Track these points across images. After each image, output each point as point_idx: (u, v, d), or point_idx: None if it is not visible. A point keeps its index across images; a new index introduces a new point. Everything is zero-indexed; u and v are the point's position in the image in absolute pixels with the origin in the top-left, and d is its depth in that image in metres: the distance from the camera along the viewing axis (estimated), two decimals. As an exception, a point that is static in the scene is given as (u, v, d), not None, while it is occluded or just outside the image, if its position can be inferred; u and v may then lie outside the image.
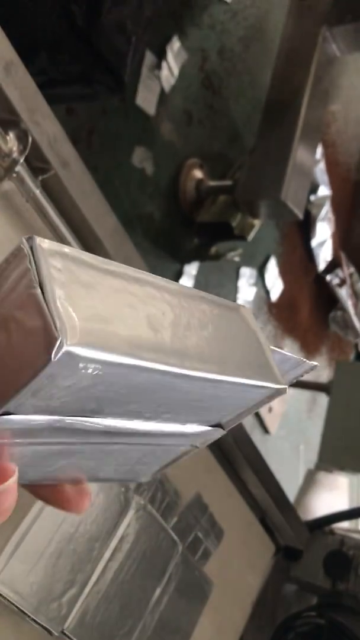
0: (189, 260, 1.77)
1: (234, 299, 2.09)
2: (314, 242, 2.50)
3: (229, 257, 1.81)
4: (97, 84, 1.04)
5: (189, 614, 0.84)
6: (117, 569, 0.69)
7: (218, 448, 1.01)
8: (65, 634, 0.64)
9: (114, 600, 0.69)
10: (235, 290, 2.08)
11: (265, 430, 2.38)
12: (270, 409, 2.35)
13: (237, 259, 1.86)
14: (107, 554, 0.68)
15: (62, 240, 0.64)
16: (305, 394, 2.70)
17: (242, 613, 1.13)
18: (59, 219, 0.62)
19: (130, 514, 0.71)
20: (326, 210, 2.45)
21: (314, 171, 2.21)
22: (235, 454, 1.01)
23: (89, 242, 0.68)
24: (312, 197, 2.39)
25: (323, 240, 2.53)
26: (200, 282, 1.88)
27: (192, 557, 0.84)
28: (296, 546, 1.24)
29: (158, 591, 0.77)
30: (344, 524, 1.59)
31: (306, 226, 2.48)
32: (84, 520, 0.66)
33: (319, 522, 1.50)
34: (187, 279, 1.79)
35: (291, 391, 2.53)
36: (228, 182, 1.71)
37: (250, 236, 1.73)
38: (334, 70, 1.69)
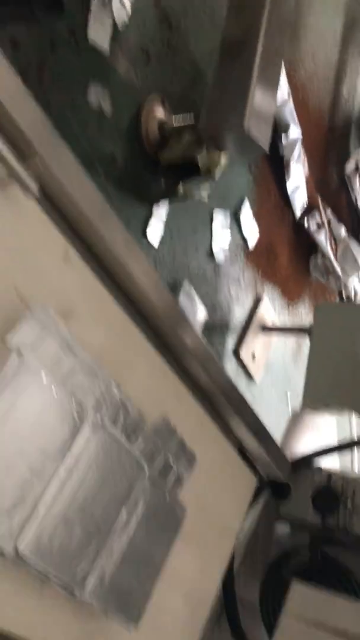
0: (157, 202, 1.71)
1: (209, 245, 2.05)
2: (289, 187, 2.44)
3: (198, 197, 1.76)
4: (34, 3, 0.97)
5: (161, 540, 0.81)
6: (75, 490, 0.66)
7: (186, 376, 0.97)
8: (19, 555, 0.60)
9: (74, 523, 0.66)
10: (209, 235, 2.04)
11: (250, 377, 2.36)
12: (253, 356, 2.33)
13: (206, 198, 1.81)
14: (62, 473, 0.65)
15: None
16: (289, 341, 2.67)
17: (226, 547, 1.11)
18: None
19: (86, 431, 0.68)
20: (298, 152, 2.39)
21: (278, 110, 2.15)
22: (206, 382, 0.97)
23: (13, 137, 0.63)
24: (284, 140, 2.33)
25: (298, 184, 2.47)
26: (172, 228, 1.83)
27: (162, 481, 0.81)
28: (279, 479, 1.22)
29: (124, 515, 0.74)
30: (331, 464, 1.58)
31: (280, 170, 2.42)
32: (34, 435, 0.62)
33: (305, 459, 1.49)
34: (157, 223, 1.74)
35: (275, 338, 2.51)
36: (191, 120, 1.65)
37: (217, 174, 1.68)
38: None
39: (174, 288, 1.86)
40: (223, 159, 1.65)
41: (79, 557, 0.67)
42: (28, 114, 0.63)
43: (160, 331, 0.90)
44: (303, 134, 2.42)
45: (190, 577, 0.98)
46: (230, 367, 2.25)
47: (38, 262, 0.70)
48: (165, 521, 0.81)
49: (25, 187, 0.65)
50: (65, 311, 0.73)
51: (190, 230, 1.95)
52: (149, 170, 1.70)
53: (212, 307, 2.10)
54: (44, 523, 0.62)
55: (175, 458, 0.85)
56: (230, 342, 2.26)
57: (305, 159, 2.49)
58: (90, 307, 0.77)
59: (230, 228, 2.17)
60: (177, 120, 1.71)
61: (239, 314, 2.30)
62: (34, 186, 0.65)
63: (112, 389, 0.75)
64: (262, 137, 1.47)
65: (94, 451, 0.68)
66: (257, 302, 2.39)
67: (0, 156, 0.61)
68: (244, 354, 2.29)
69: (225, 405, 1.02)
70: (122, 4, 1.55)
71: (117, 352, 0.82)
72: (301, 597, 1.13)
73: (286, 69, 2.31)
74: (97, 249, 0.77)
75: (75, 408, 0.67)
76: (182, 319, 0.89)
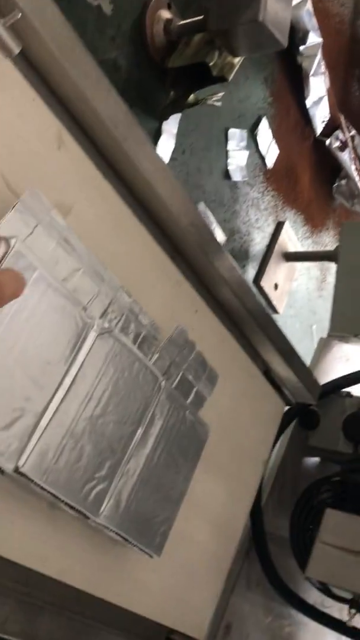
0: (166, 115, 1.57)
1: (225, 165, 1.91)
2: (308, 102, 2.26)
3: (210, 102, 1.62)
4: None
5: (183, 463, 0.73)
6: (82, 401, 0.58)
7: (205, 288, 0.87)
8: (21, 474, 0.53)
9: (82, 438, 0.58)
10: (225, 155, 1.89)
11: (272, 309, 2.25)
12: (275, 286, 2.22)
13: (219, 103, 1.65)
14: (67, 381, 0.56)
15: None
16: (313, 272, 2.55)
17: (254, 475, 1.04)
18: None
19: (91, 337, 0.59)
20: (318, 62, 2.19)
21: (294, 12, 1.95)
22: (226, 293, 0.88)
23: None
24: (302, 47, 2.14)
25: (318, 98, 2.29)
26: (184, 146, 1.69)
27: (181, 398, 0.73)
28: (308, 401, 1.13)
29: (140, 431, 0.66)
30: (361, 391, 1.50)
31: (298, 84, 2.24)
32: (32, 342, 0.53)
33: (334, 385, 1.41)
34: (168, 138, 1.60)
35: (298, 266, 2.39)
36: (200, 18, 1.49)
37: (231, 76, 1.53)
38: None
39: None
40: (236, 61, 1.50)
41: (90, 478, 0.59)
42: None
43: (176, 238, 0.80)
44: (323, 43, 2.22)
45: (216, 507, 0.92)
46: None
47: (26, 146, 0.59)
48: (186, 441, 0.73)
49: (3, 47, 0.54)
50: (62, 205, 0.63)
51: (204, 148, 1.81)
52: (157, 79, 1.55)
53: (231, 232, 1.97)
54: (48, 438, 0.54)
55: (194, 375, 0.76)
56: (251, 271, 2.14)
57: (327, 71, 2.29)
58: (92, 202, 0.67)
59: (248, 148, 2.01)
60: (185, 21, 1.55)
61: (259, 241, 2.17)
62: (14, 46, 0.54)
63: (121, 295, 0.66)
64: (281, 29, 1.32)
65: (102, 360, 0.60)
66: (278, 227, 2.25)
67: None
68: (266, 284, 2.18)
69: (250, 323, 0.93)
70: None
71: (125, 256, 0.72)
72: (336, 524, 1.08)
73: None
74: (96, 133, 0.66)
75: (79, 313, 0.58)
76: (203, 229, 0.79)
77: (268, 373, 1.05)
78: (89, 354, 0.58)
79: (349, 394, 1.42)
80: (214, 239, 0.80)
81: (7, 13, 0.54)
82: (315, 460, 1.52)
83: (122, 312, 0.66)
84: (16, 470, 0.52)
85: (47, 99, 0.61)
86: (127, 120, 0.66)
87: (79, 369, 0.57)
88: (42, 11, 0.56)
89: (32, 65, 0.60)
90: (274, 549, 1.18)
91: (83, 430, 0.58)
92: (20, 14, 0.52)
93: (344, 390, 1.41)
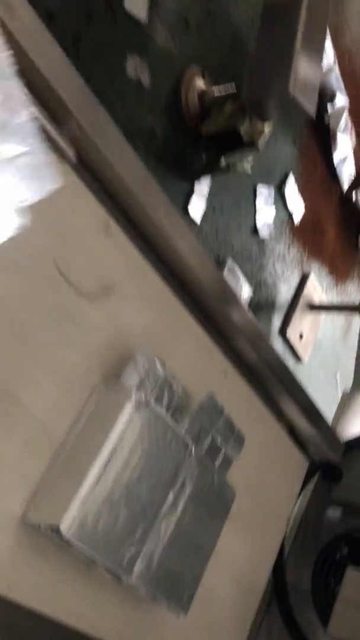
0: (198, 177, 1.66)
1: (253, 221, 1.98)
2: (336, 158, 2.34)
3: (241, 169, 1.70)
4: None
5: (210, 524, 0.78)
6: (119, 471, 0.63)
7: (233, 353, 0.93)
8: (63, 537, 0.58)
9: (119, 505, 0.63)
10: (253, 211, 1.97)
11: (297, 358, 2.29)
12: (301, 336, 2.26)
13: (249, 170, 1.74)
14: (105, 453, 0.62)
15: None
16: (338, 320, 2.58)
17: (277, 532, 1.07)
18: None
19: (128, 409, 0.64)
20: (345, 121, 2.28)
21: (323, 77, 2.05)
22: (254, 359, 0.93)
23: (52, 106, 0.60)
24: (330, 109, 2.23)
25: (345, 155, 2.36)
26: (214, 204, 1.77)
27: (210, 462, 0.77)
28: (331, 459, 1.16)
29: (171, 497, 0.70)
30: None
31: (326, 141, 2.32)
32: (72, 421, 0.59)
33: (357, 441, 1.43)
34: (199, 199, 1.69)
35: (323, 317, 2.42)
36: (233, 89, 1.58)
37: (261, 143, 1.61)
38: None
39: (218, 265, 1.81)
40: (267, 128, 1.58)
41: (125, 541, 0.64)
42: (64, 77, 0.60)
43: (207, 307, 0.86)
44: (350, 102, 2.31)
45: (241, 563, 0.95)
46: (277, 347, 2.19)
47: (77, 236, 0.66)
48: (213, 504, 0.77)
49: (61, 153, 0.61)
50: (106, 287, 0.69)
51: (233, 206, 1.89)
52: (190, 143, 1.64)
53: (257, 285, 2.04)
54: (88, 504, 0.59)
55: (223, 438, 0.81)
56: (277, 322, 2.19)
57: (353, 128, 2.38)
58: (132, 282, 0.74)
59: (275, 203, 2.09)
60: (218, 90, 1.64)
61: (285, 293, 2.23)
62: (70, 152, 0.62)
63: (156, 366, 0.71)
64: (308, 101, 1.40)
65: (138, 430, 0.65)
66: (303, 279, 2.31)
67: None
68: (291, 334, 2.23)
69: (274, 383, 0.98)
70: (160, -29, 1.50)
71: (160, 328, 0.78)
72: (357, 583, 1.09)
73: (331, 34, 2.20)
74: (139, 221, 0.73)
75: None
76: (229, 295, 0.85)
77: (292, 431, 1.09)
78: (127, 426, 0.64)
79: (371, 449, 1.44)
80: (243, 309, 0.86)
81: (64, 122, 0.61)
82: (338, 512, 1.53)
83: (157, 382, 0.71)
84: (59, 535, 0.58)
85: (97, 194, 0.68)
86: (167, 210, 0.72)
87: (117, 439, 0.63)
88: (96, 119, 0.63)
89: (84, 165, 0.67)
90: (295, 600, 1.19)
91: (120, 496, 0.63)
92: (77, 131, 0.60)
93: (366, 444, 1.43)
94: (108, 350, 0.70)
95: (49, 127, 0.58)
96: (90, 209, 0.67)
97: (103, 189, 0.69)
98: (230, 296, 0.84)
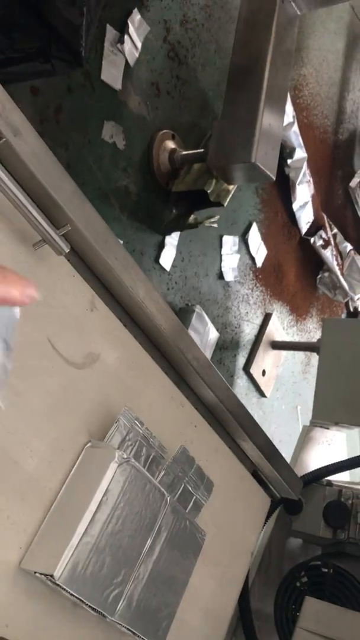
0: (169, 231, 1.78)
1: (218, 268, 2.12)
2: (295, 206, 2.51)
3: (207, 224, 1.83)
4: (55, 60, 1.05)
5: (183, 564, 0.87)
6: (105, 521, 0.72)
7: (203, 405, 1.04)
8: (57, 585, 0.67)
9: (104, 551, 0.72)
10: (219, 258, 2.11)
11: (261, 393, 2.42)
12: (263, 372, 2.39)
13: (215, 225, 1.88)
14: (92, 507, 0.71)
15: (19, 207, 0.66)
16: (298, 356, 2.73)
17: (242, 565, 1.16)
18: (15, 186, 0.64)
19: (113, 467, 0.74)
20: (304, 173, 2.45)
21: (283, 133, 2.21)
22: (220, 409, 1.04)
23: (49, 207, 0.70)
24: (289, 161, 2.40)
25: (304, 202, 2.54)
26: (183, 253, 1.90)
27: (183, 508, 0.87)
28: (291, 497, 1.27)
29: (149, 542, 0.80)
30: (341, 479, 1.63)
31: (286, 190, 2.48)
32: (63, 477, 0.69)
33: (316, 475, 1.54)
34: (170, 250, 1.81)
35: (284, 354, 2.56)
36: (200, 150, 1.72)
37: (226, 201, 1.74)
38: (296, 30, 1.68)
39: (186, 310, 1.93)
40: (231, 188, 1.72)
41: (109, 584, 0.73)
42: (61, 185, 0.70)
43: (176, 364, 0.97)
44: (308, 154, 2.49)
45: (210, 595, 1.04)
46: (242, 383, 2.31)
47: (68, 313, 0.76)
48: (186, 545, 0.87)
49: (57, 249, 0.71)
50: (93, 356, 0.79)
51: (200, 254, 2.02)
52: (162, 200, 1.77)
53: (224, 326, 2.16)
54: (78, 553, 0.68)
55: (194, 486, 0.91)
56: (241, 360, 2.32)
57: (311, 178, 2.55)
58: (115, 348, 0.84)
59: (239, 251, 2.23)
60: (187, 152, 1.78)
61: (248, 332, 2.36)
62: (65, 247, 0.72)
63: (136, 426, 0.81)
64: (270, 166, 1.53)
65: (121, 485, 0.75)
66: (266, 319, 2.45)
67: (36, 223, 0.68)
68: (255, 371, 2.36)
69: (238, 430, 1.09)
70: (134, 45, 1.63)
71: (139, 388, 0.88)
72: (314, 612, 1.19)
73: (290, 91, 2.38)
74: (119, 296, 0.84)
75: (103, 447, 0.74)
76: (201, 359, 0.95)
77: (256, 473, 1.20)
78: (112, 481, 0.73)
79: (329, 483, 1.55)
80: (216, 373, 0.97)
81: (61, 225, 0.72)
82: (299, 542, 1.63)
83: (136, 439, 0.81)
84: (52, 579, 0.66)
85: (84, 275, 0.79)
86: (145, 286, 0.83)
87: (103, 495, 0.72)
88: (88, 220, 0.74)
89: (74, 252, 0.77)
90: (260, 625, 1.28)
91: (105, 544, 0.72)
92: (70, 228, 0.70)
93: (324, 479, 1.55)
94: (94, 412, 0.79)
95: (49, 228, 0.68)
96: (78, 288, 0.78)
97: (88, 269, 0.80)
98: (194, 349, 0.95)
